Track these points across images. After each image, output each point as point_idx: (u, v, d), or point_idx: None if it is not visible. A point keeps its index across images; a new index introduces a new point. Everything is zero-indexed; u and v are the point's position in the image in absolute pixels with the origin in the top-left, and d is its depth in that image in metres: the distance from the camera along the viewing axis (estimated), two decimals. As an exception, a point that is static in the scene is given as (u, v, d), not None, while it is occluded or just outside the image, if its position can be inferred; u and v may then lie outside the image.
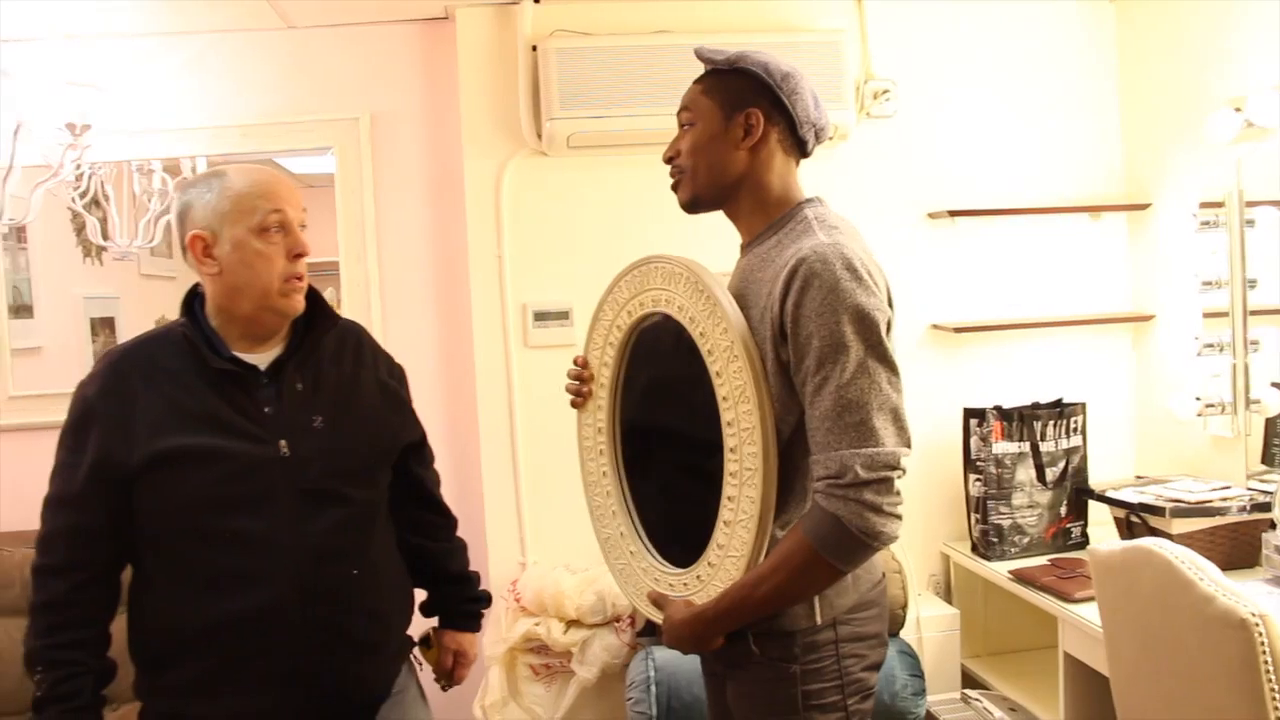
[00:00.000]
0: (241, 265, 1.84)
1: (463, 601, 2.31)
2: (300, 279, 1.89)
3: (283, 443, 1.87)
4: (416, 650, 2.22)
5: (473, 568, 2.36)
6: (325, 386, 1.96)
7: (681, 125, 1.88)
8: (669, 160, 1.89)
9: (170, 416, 1.82)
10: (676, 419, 2.00)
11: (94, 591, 1.85)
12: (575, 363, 2.09)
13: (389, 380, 2.12)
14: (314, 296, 1.98)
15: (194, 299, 1.94)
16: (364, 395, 2.03)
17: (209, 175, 1.89)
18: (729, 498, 1.75)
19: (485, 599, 2.35)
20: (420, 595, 2.25)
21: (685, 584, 1.84)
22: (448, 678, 2.30)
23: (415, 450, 2.20)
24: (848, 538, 1.60)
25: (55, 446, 1.88)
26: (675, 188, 1.89)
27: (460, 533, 3.44)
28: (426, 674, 2.27)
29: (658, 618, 1.88)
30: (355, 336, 2.09)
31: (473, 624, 2.32)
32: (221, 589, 1.82)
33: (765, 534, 1.70)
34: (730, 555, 1.74)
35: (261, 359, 1.91)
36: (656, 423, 2.04)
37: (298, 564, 1.84)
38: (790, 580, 1.66)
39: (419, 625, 2.21)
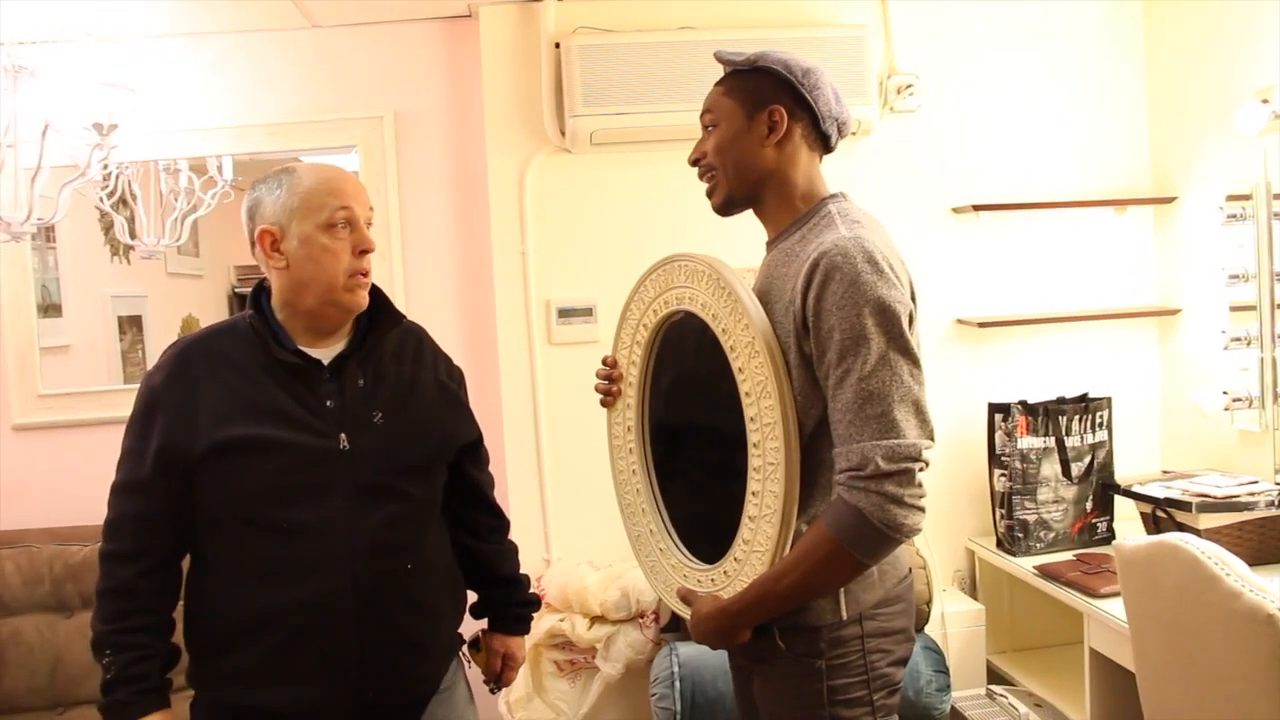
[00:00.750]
0: (308, 260, 1.87)
1: (512, 605, 2.32)
2: (365, 275, 1.92)
3: (342, 436, 1.89)
4: (465, 651, 2.23)
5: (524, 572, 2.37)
6: (385, 383, 1.99)
7: (705, 128, 1.89)
8: (694, 163, 1.91)
9: (233, 406, 1.85)
10: (703, 416, 2.01)
11: (159, 577, 1.89)
12: (604, 362, 2.11)
13: (448, 381, 2.14)
14: (378, 295, 2.00)
15: (260, 293, 1.97)
16: (423, 394, 2.05)
17: (279, 172, 1.92)
18: (753, 493, 1.75)
19: (535, 602, 2.36)
20: (470, 597, 2.27)
21: (713, 579, 1.85)
22: (496, 680, 2.33)
23: (471, 451, 2.22)
24: (869, 530, 1.60)
25: (122, 435, 1.91)
26: (710, 193, 1.90)
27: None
28: (474, 674, 2.28)
29: (687, 614, 1.89)
30: (416, 337, 2.12)
31: (522, 627, 2.34)
32: (277, 579, 1.85)
33: (789, 528, 1.71)
34: (755, 550, 1.75)
35: (325, 354, 1.94)
36: (684, 420, 2.05)
37: (353, 557, 1.87)
38: (813, 573, 1.67)
39: (468, 627, 2.22)
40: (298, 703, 1.88)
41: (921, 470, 1.63)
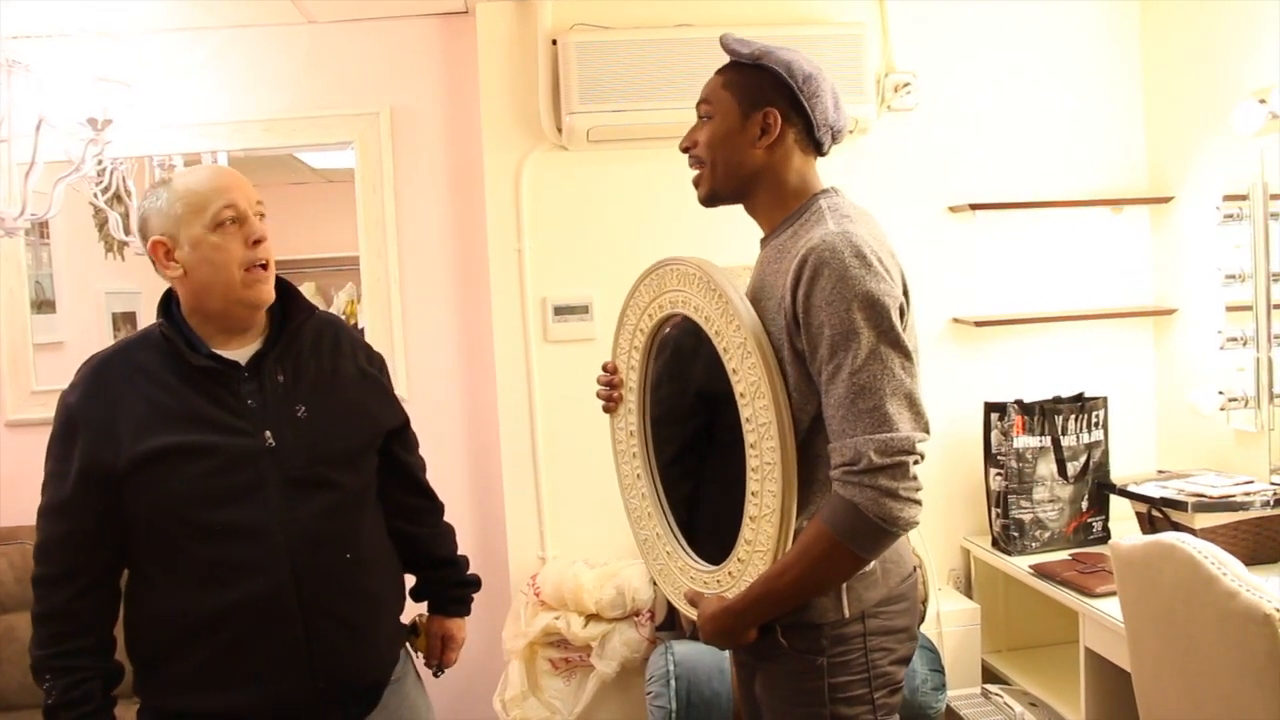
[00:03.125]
0: (202, 263, 1.86)
1: (451, 586, 2.33)
2: (264, 267, 1.91)
3: (268, 433, 1.89)
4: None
5: (463, 553, 2.37)
6: (306, 377, 1.99)
7: (701, 116, 1.88)
8: (685, 149, 1.90)
9: (153, 417, 1.84)
10: (702, 417, 2.00)
11: (94, 597, 1.87)
12: (604, 368, 2.11)
13: (369, 368, 2.14)
14: (288, 290, 2.00)
15: (170, 301, 1.96)
16: (344, 383, 2.05)
17: (158, 185, 1.91)
18: (752, 493, 1.75)
19: (474, 583, 2.36)
20: (409, 581, 2.28)
21: (719, 581, 1.85)
22: (439, 664, 2.33)
23: (399, 435, 2.22)
24: (866, 524, 1.60)
25: (43, 468, 1.89)
26: (696, 183, 1.90)
27: (480, 527, 3.48)
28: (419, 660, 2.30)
29: (694, 615, 1.88)
30: (333, 328, 2.12)
31: (462, 609, 2.34)
32: (218, 581, 1.84)
33: (789, 527, 1.71)
34: (758, 550, 1.75)
35: (241, 354, 1.94)
36: (684, 422, 2.04)
37: (292, 551, 1.87)
38: (812, 569, 1.66)
39: (410, 612, 2.24)
40: (248, 703, 1.87)
41: (917, 463, 1.62)
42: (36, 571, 1.86)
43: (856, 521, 1.61)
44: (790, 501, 1.70)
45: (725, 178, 1.85)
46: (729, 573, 1.82)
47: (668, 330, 2.02)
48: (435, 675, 2.35)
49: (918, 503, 1.62)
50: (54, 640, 1.83)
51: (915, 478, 1.62)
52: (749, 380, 1.73)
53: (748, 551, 1.77)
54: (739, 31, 1.90)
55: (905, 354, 1.65)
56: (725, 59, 1.89)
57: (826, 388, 1.65)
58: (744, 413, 1.75)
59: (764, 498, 1.73)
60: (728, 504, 1.82)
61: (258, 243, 1.89)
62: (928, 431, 1.65)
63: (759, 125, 1.81)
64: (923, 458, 1.63)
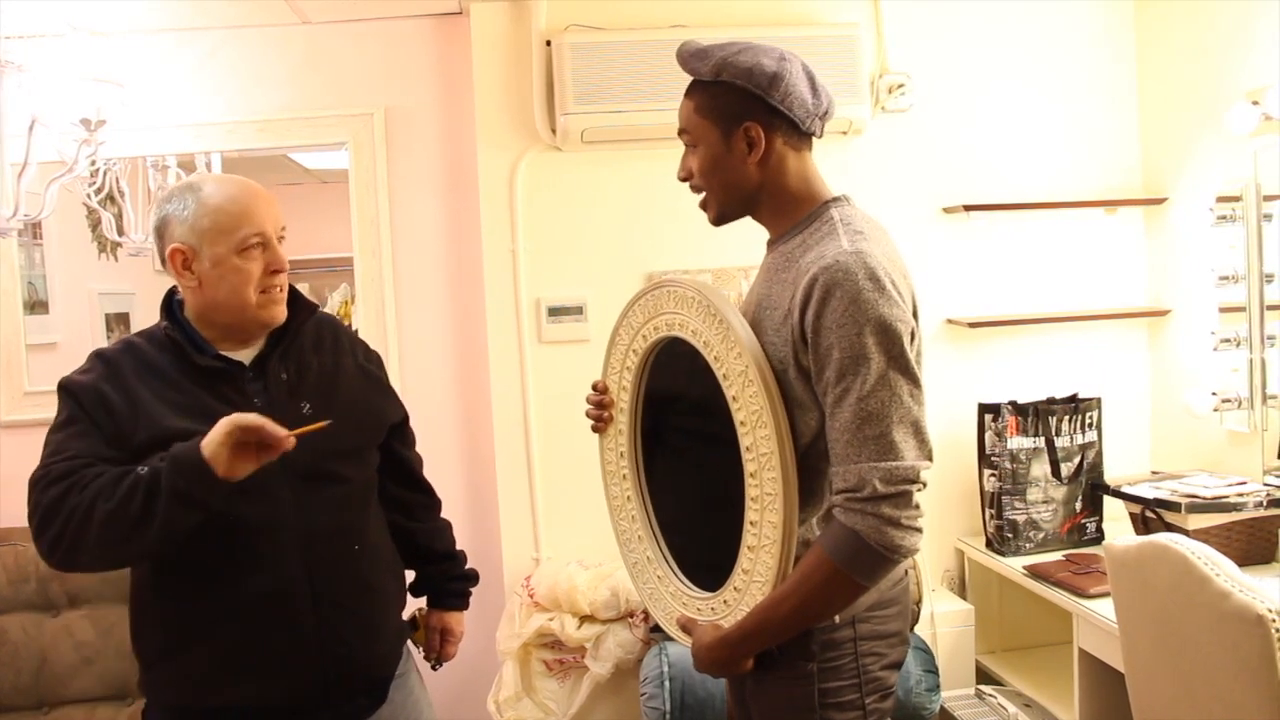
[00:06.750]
0: (220, 281, 1.87)
1: (450, 580, 2.36)
2: (280, 289, 1.93)
3: None
4: None
5: (461, 548, 2.40)
6: (309, 374, 2.01)
7: (685, 144, 1.85)
8: (684, 179, 1.86)
9: (167, 408, 1.84)
10: (697, 443, 1.98)
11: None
12: (594, 388, 2.07)
13: (368, 364, 2.17)
14: (290, 291, 2.01)
15: (172, 301, 1.97)
16: (347, 380, 2.08)
17: (184, 189, 1.90)
18: (751, 522, 1.71)
19: (473, 577, 2.39)
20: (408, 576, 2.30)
21: (713, 608, 1.82)
22: (437, 657, 2.35)
23: (398, 430, 2.25)
24: (867, 552, 1.59)
25: (43, 444, 1.85)
26: (703, 207, 1.87)
27: (474, 528, 3.48)
28: (418, 656, 2.31)
29: (688, 643, 1.85)
30: (332, 327, 2.15)
31: (460, 602, 2.37)
32: (230, 576, 1.85)
33: (789, 557, 1.67)
34: (755, 580, 1.72)
35: (245, 355, 1.96)
36: (678, 447, 2.02)
37: (303, 544, 1.89)
38: (812, 597, 1.65)
39: (409, 606, 2.26)
40: (258, 698, 1.88)
41: (919, 490, 1.61)
42: (39, 472, 1.80)
43: (858, 549, 1.59)
44: (791, 533, 1.67)
45: (727, 200, 1.82)
46: (724, 601, 1.79)
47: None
48: (434, 669, 2.37)
49: (919, 530, 1.61)
50: (93, 476, 1.74)
51: (917, 506, 1.60)
52: (750, 409, 1.69)
53: (744, 580, 1.74)
54: (731, 34, 1.87)
55: (914, 381, 1.63)
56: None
57: (832, 410, 1.63)
58: (744, 441, 1.71)
59: (763, 528, 1.70)
60: (721, 531, 1.79)
61: (276, 272, 1.91)
62: (931, 459, 1.63)
63: (743, 141, 1.76)
64: (925, 485, 1.62)
